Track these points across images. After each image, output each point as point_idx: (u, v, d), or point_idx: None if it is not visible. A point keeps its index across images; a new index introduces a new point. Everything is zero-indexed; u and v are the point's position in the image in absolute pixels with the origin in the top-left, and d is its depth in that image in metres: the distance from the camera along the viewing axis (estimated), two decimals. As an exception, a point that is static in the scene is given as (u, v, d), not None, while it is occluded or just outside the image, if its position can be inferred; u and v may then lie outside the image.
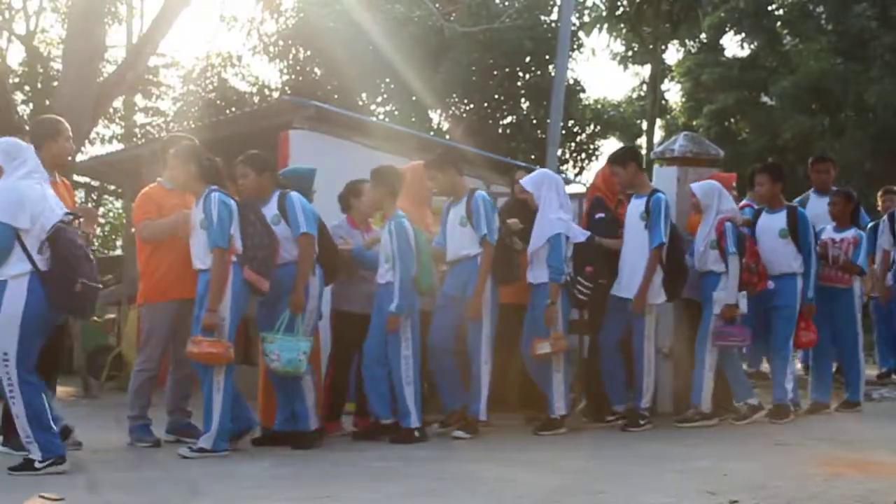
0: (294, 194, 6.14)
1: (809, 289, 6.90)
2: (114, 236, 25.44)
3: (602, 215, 7.17)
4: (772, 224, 7.03)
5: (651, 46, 23.74)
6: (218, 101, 22.00)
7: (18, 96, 21.00)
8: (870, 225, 8.39)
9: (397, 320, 6.14)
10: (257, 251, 5.83)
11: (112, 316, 10.62)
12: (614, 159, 7.03)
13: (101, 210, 24.00)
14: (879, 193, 9.10)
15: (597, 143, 24.81)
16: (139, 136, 22.91)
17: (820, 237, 7.34)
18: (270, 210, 6.07)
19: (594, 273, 6.57)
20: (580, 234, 6.66)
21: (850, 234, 7.40)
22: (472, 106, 22.22)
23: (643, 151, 24.25)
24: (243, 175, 6.16)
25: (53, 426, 5.02)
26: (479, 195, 6.49)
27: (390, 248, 6.17)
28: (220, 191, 5.78)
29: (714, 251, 6.73)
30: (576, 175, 23.70)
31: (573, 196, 8.44)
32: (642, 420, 6.63)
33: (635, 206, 6.81)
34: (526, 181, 6.76)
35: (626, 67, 26.42)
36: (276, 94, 22.36)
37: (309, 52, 22.09)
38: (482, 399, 6.41)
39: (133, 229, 7.23)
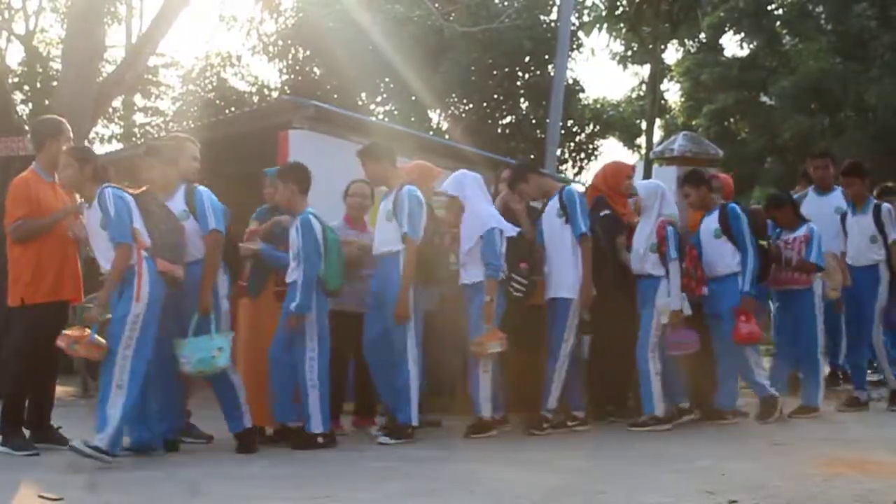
0: (203, 189, 5.89)
1: (746, 283, 6.76)
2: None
3: (607, 212, 7.16)
4: (708, 226, 6.99)
5: (650, 46, 23.69)
6: (217, 101, 21.99)
7: (18, 96, 21.02)
8: None
9: (298, 320, 5.89)
10: (166, 238, 5.65)
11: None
12: (514, 179, 6.93)
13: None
14: (875, 192, 8.76)
15: (596, 142, 24.81)
16: (139, 135, 22.93)
17: (775, 241, 7.30)
18: (177, 205, 5.82)
19: (529, 269, 6.47)
20: (511, 230, 6.50)
21: (802, 232, 7.19)
22: (471, 106, 22.21)
23: (643, 151, 24.30)
24: (148, 167, 5.90)
25: None
26: (407, 190, 6.22)
27: (297, 245, 5.96)
28: (112, 186, 5.53)
29: (654, 254, 6.68)
30: (575, 175, 23.71)
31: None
32: (546, 423, 6.52)
33: (551, 207, 6.69)
34: (447, 185, 6.60)
35: (625, 67, 26.39)
36: (275, 94, 22.36)
37: (308, 52, 22.08)
38: (413, 403, 6.15)
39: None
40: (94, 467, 5.10)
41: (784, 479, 4.81)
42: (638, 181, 6.99)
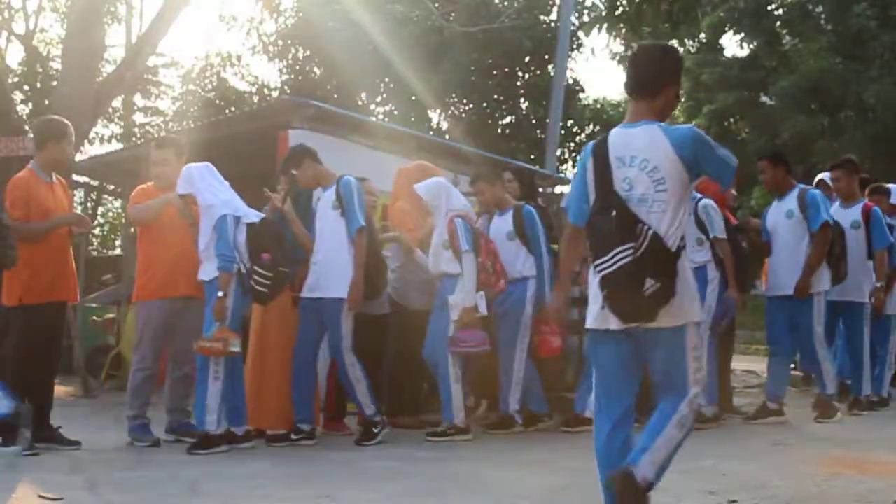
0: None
1: (545, 290, 6.46)
2: (113, 236, 25.47)
3: None
4: (500, 226, 6.65)
5: (650, 46, 23.72)
6: (217, 101, 22.00)
7: (18, 96, 21.01)
8: None
9: None
10: None
11: (112, 315, 10.61)
12: (287, 164, 6.34)
13: (101, 210, 24.04)
14: (867, 191, 8.25)
15: (596, 142, 24.82)
16: (138, 135, 22.94)
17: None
18: None
19: (273, 261, 5.89)
20: (253, 215, 5.97)
21: None
22: (471, 106, 22.20)
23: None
24: None
25: None
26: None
27: None
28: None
29: (447, 251, 6.24)
30: (575, 175, 23.69)
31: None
32: (375, 429, 6.05)
33: (326, 199, 6.16)
34: (179, 187, 5.97)
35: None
36: (275, 94, 22.36)
37: (308, 52, 22.08)
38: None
39: (132, 229, 7.24)
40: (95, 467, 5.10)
41: (784, 479, 4.82)
42: (418, 184, 6.50)
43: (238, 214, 5.88)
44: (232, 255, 5.76)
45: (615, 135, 3.55)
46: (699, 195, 6.77)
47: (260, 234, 5.92)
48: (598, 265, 3.37)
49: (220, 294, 5.71)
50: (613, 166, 3.48)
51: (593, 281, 3.47)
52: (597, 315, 3.54)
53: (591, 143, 3.64)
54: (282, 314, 6.27)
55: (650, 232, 3.33)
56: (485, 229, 6.56)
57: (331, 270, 6.02)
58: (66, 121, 6.11)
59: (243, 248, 5.86)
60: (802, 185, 7.24)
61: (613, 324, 3.47)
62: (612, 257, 3.32)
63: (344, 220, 6.04)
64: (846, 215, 7.52)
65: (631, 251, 3.30)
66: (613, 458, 3.52)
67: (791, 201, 7.08)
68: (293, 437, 6.03)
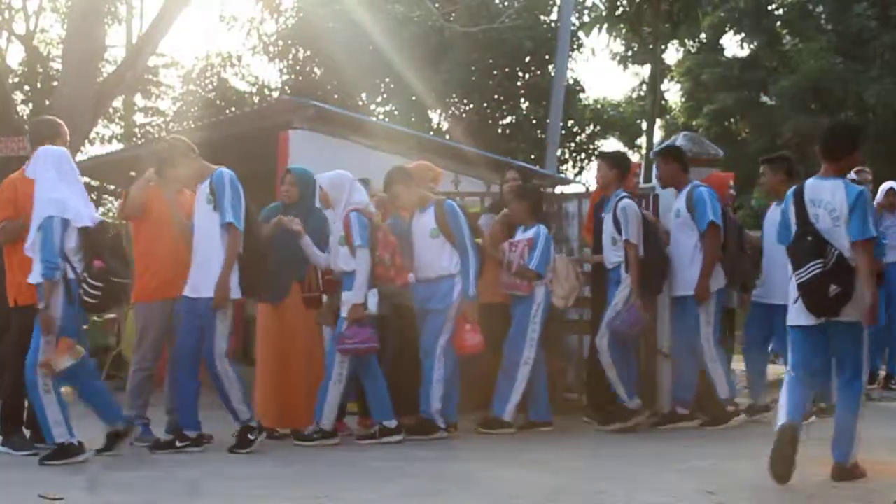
0: None
1: (471, 285, 6.22)
2: (113, 236, 25.44)
3: None
4: (422, 224, 6.40)
5: (651, 46, 23.77)
6: (218, 101, 21.99)
7: (18, 96, 21.01)
8: None
9: None
10: None
11: (112, 316, 10.61)
12: (162, 165, 5.95)
13: (101, 210, 24.03)
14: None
15: (596, 143, 24.82)
16: (139, 135, 22.94)
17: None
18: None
19: (105, 269, 5.37)
20: (88, 218, 5.38)
21: (529, 234, 6.62)
22: (471, 106, 22.19)
23: (643, 151, 24.32)
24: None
25: None
26: None
27: None
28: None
29: (343, 247, 5.99)
30: (575, 175, 23.72)
31: (573, 196, 8.40)
32: (251, 435, 5.72)
33: (201, 192, 5.81)
34: (31, 167, 5.53)
35: (625, 67, 26.47)
36: (275, 94, 22.35)
37: (308, 52, 22.07)
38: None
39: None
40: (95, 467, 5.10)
41: (784, 479, 4.81)
42: (320, 175, 6.21)
43: (67, 216, 5.27)
44: (56, 261, 5.19)
45: (810, 183, 4.88)
46: (622, 192, 6.67)
47: (94, 239, 5.38)
48: (797, 274, 4.70)
49: (42, 304, 5.20)
50: (808, 205, 4.81)
51: (792, 287, 4.77)
52: (796, 313, 4.79)
53: (793, 188, 4.98)
54: (301, 319, 6.25)
55: (836, 252, 4.63)
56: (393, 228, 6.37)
57: (206, 268, 5.69)
58: (59, 120, 6.11)
59: (73, 255, 5.31)
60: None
61: (808, 320, 4.74)
62: (807, 269, 4.65)
63: (217, 214, 5.70)
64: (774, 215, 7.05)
65: (821, 265, 4.62)
66: (797, 414, 4.79)
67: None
68: (178, 444, 5.71)
